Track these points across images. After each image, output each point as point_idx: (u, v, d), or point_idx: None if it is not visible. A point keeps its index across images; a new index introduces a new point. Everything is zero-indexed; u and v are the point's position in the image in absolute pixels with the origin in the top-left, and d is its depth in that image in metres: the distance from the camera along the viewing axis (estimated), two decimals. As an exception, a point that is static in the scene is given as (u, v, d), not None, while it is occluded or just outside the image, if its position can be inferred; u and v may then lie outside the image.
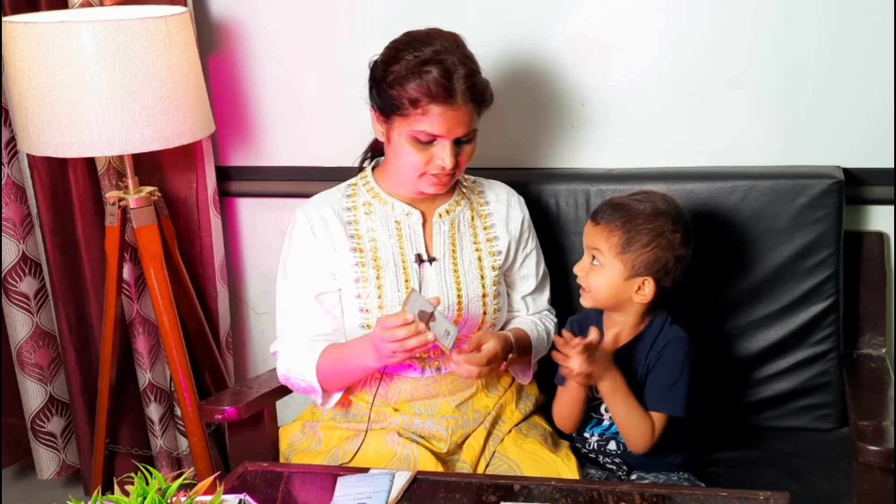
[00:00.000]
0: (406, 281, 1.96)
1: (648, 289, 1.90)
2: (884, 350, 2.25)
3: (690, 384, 1.90)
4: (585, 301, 1.96)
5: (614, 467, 1.97)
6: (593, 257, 1.92)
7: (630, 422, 1.89)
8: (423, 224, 2.00)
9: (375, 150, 2.11)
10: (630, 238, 1.88)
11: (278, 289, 2.03)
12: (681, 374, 1.90)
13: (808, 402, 2.21)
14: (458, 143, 1.89)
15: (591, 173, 2.35)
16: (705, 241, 2.19)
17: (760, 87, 2.27)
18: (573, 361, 1.82)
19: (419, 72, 1.83)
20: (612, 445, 1.97)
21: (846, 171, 2.21)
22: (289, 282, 2.01)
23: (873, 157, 2.24)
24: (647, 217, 1.90)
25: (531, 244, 2.11)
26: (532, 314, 2.12)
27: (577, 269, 1.96)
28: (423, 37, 1.89)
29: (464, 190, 2.06)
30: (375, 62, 1.94)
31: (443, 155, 1.87)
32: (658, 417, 1.89)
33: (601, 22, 2.33)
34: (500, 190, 2.10)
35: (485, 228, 2.05)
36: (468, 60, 1.88)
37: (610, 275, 1.90)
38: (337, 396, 2.00)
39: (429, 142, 1.87)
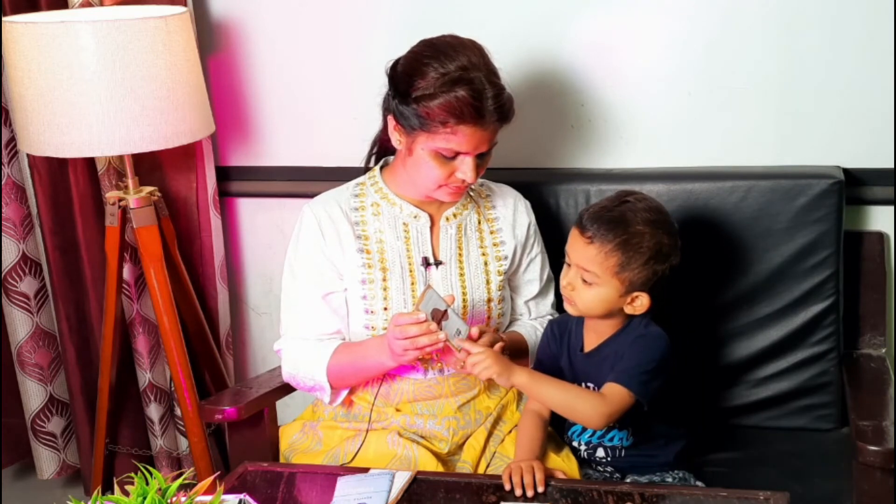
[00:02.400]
0: (412, 284, 1.96)
1: (642, 302, 1.83)
2: (884, 350, 2.25)
3: (664, 381, 1.82)
4: (571, 310, 1.88)
5: (608, 474, 1.96)
6: (583, 278, 1.82)
7: (569, 398, 1.78)
8: (431, 227, 2.00)
9: (381, 149, 2.10)
10: (628, 258, 1.78)
11: (284, 286, 2.03)
12: (656, 366, 1.81)
13: (808, 402, 2.21)
14: (479, 156, 1.89)
15: (591, 173, 2.35)
16: (705, 241, 2.19)
17: (760, 87, 2.27)
18: (482, 365, 1.76)
19: (448, 91, 1.80)
20: (600, 452, 1.95)
21: (846, 171, 2.21)
22: (296, 280, 2.01)
23: (873, 157, 2.24)
24: (644, 234, 1.79)
25: (536, 249, 2.10)
26: (534, 318, 2.12)
27: (565, 282, 1.85)
28: (445, 48, 1.85)
29: (471, 194, 2.05)
30: (395, 71, 1.90)
31: (466, 169, 1.87)
32: (620, 391, 1.78)
33: (601, 22, 2.33)
34: (508, 195, 2.10)
35: (491, 233, 2.05)
36: (494, 76, 1.86)
37: (605, 293, 1.82)
38: (343, 394, 2.00)
39: (452, 157, 1.87)
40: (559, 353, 1.96)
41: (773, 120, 2.28)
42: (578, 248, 1.83)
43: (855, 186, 2.23)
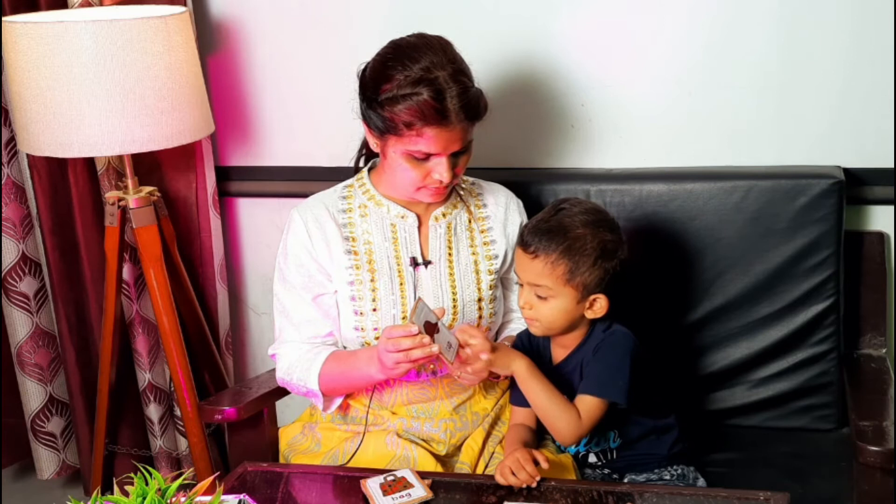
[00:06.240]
0: (401, 284, 1.96)
1: (601, 304, 1.84)
2: (884, 350, 2.25)
3: (632, 376, 1.82)
4: (536, 331, 1.88)
5: (605, 474, 1.96)
6: (537, 294, 1.83)
7: (551, 407, 1.79)
8: (419, 227, 1.99)
9: (369, 150, 2.09)
10: (576, 263, 1.79)
11: (276, 291, 2.02)
12: (620, 363, 1.82)
13: (808, 403, 2.21)
14: (454, 156, 1.88)
15: (591, 173, 2.35)
16: (705, 241, 2.19)
17: (760, 87, 2.27)
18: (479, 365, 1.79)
19: (410, 94, 1.79)
20: (592, 458, 1.95)
21: (846, 171, 2.21)
22: (286, 284, 2.00)
23: (873, 157, 2.24)
24: (585, 236, 1.80)
25: None
26: None
27: (522, 303, 1.86)
28: (409, 49, 1.84)
29: (461, 193, 2.05)
30: (364, 77, 1.90)
31: (440, 170, 1.86)
32: (591, 403, 1.80)
33: (601, 22, 2.33)
34: (500, 194, 2.10)
35: (482, 232, 2.04)
36: (459, 74, 1.83)
37: (562, 304, 1.82)
38: (338, 401, 1.99)
39: (425, 158, 1.86)
40: None
41: (773, 120, 2.28)
42: (525, 266, 1.85)
43: (855, 186, 2.23)
